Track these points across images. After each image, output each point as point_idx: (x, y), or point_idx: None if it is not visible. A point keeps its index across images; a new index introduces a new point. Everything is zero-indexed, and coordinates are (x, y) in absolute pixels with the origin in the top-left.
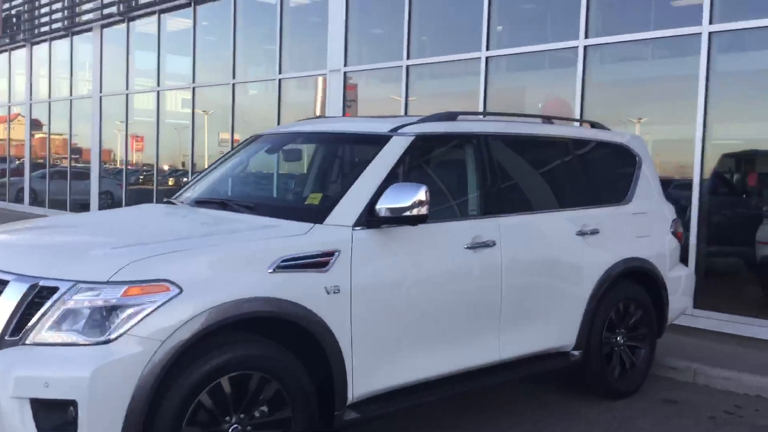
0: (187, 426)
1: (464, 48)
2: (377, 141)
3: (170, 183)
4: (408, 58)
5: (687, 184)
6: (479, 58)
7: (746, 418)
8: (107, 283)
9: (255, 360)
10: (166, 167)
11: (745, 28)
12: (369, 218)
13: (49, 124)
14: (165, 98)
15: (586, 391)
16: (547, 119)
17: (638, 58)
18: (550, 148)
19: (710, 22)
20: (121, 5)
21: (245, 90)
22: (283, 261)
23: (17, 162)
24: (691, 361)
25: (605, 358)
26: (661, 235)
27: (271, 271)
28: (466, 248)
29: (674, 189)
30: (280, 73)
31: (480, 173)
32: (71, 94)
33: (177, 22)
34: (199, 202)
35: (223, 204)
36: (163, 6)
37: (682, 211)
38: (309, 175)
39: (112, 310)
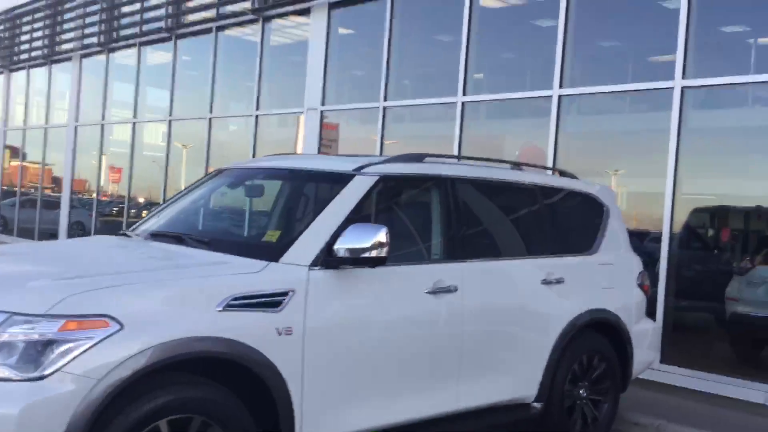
0: None
1: (441, 92)
2: (340, 180)
3: (144, 215)
4: (385, 99)
5: (659, 238)
6: (455, 102)
7: None
8: (44, 316)
9: (196, 403)
10: (141, 199)
11: (718, 84)
12: (327, 258)
13: (22, 152)
14: (144, 130)
15: None
16: (517, 165)
17: (613, 110)
18: (517, 194)
19: (683, 77)
20: (102, 36)
21: (225, 125)
22: (233, 299)
23: None
24: (655, 417)
25: (567, 411)
26: (628, 287)
27: (219, 309)
28: (427, 293)
29: (649, 242)
30: (257, 109)
31: (445, 217)
32: (47, 122)
33: (157, 55)
34: (155, 236)
35: (178, 238)
36: (144, 39)
37: (655, 264)
38: (272, 212)
39: (47, 344)
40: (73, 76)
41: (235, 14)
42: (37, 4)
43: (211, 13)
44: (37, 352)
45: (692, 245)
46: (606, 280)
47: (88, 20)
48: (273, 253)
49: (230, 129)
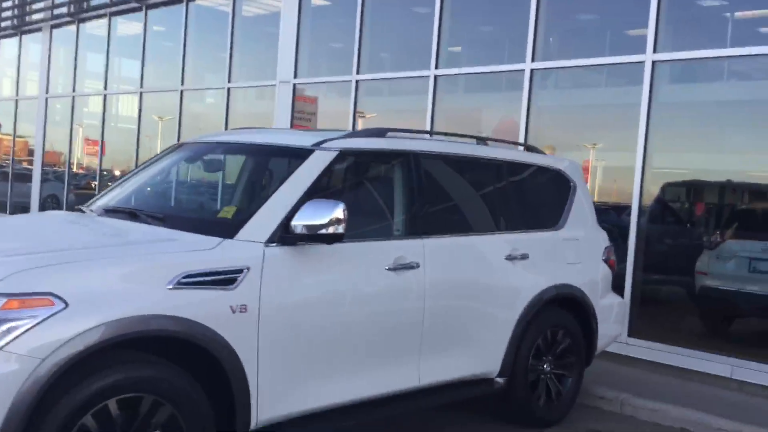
0: None
1: (414, 65)
2: (299, 155)
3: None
4: (358, 72)
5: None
6: (428, 76)
7: None
8: None
9: (147, 382)
10: (117, 172)
11: (689, 59)
12: (284, 235)
13: None
14: (120, 102)
15: (510, 419)
16: (482, 140)
17: (587, 84)
18: (482, 169)
19: (654, 51)
20: (72, 6)
21: (200, 97)
22: (185, 277)
23: None
24: (619, 391)
25: (531, 386)
26: (593, 262)
27: (170, 287)
28: (388, 269)
29: (626, 216)
30: (229, 81)
31: (407, 193)
32: (17, 94)
33: (128, 26)
34: (109, 211)
35: (132, 214)
36: (114, 9)
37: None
38: (234, 188)
39: None
40: (43, 47)
41: None
42: None
43: None
44: None
45: (663, 219)
46: (572, 256)
47: None
48: (228, 229)
49: (207, 102)
